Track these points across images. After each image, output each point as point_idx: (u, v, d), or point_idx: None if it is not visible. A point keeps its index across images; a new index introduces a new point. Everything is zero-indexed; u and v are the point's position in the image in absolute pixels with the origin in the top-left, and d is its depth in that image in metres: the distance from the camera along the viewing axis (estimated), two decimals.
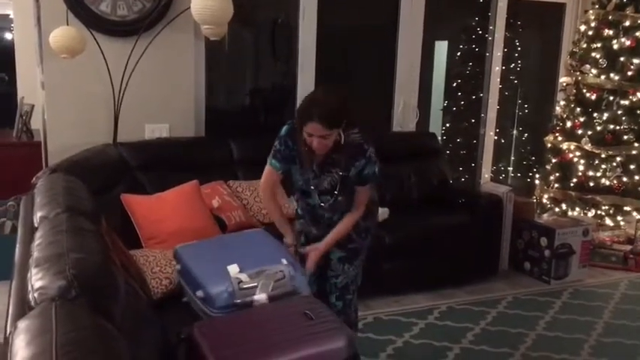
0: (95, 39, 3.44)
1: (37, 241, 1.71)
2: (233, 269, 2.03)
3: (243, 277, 2.01)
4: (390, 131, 4.88)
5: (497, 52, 5.20)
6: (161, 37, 3.62)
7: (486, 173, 5.49)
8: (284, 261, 2.09)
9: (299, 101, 4.33)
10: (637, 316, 3.67)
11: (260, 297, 1.98)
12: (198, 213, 3.16)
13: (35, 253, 1.60)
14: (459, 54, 5.55)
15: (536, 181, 5.13)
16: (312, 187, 2.50)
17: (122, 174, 3.34)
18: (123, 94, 3.54)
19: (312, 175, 2.48)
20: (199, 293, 2.03)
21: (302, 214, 2.69)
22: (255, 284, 2.02)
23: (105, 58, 3.45)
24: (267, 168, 2.54)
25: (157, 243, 2.93)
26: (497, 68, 5.23)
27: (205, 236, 2.81)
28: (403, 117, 4.89)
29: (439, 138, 5.47)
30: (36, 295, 1.36)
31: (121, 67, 3.50)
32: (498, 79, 5.28)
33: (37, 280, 1.42)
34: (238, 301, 2.01)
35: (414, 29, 4.76)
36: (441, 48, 5.83)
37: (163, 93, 3.80)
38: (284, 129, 2.48)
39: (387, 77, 4.87)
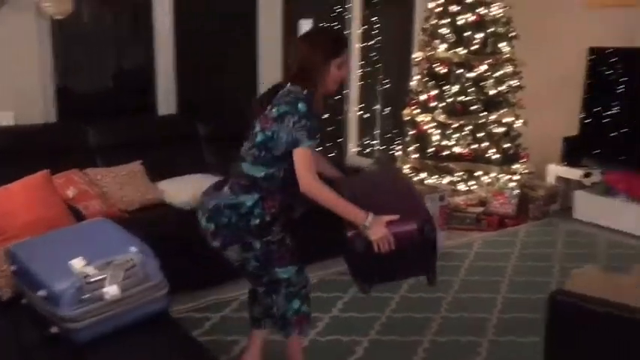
0: None
1: None
2: (78, 263, 1.94)
3: (90, 270, 1.93)
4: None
5: (356, 30, 5.36)
6: None
7: (353, 148, 5.68)
8: (133, 249, 2.03)
9: (159, 84, 4.28)
10: (489, 271, 4.00)
11: (110, 289, 1.92)
12: (50, 204, 2.96)
13: None
14: None
15: (398, 153, 5.39)
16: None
17: None
18: None
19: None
20: (42, 293, 1.93)
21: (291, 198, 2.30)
22: (104, 276, 1.95)
23: None
24: (307, 151, 2.09)
25: (5, 239, 2.71)
26: (357, 45, 5.39)
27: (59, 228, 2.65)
28: None
29: None
30: None
31: None
32: (358, 56, 5.45)
33: None
34: (87, 295, 1.93)
35: (273, 8, 4.76)
36: (306, 27, 5.89)
37: (5, 78, 3.52)
38: (303, 105, 2.11)
39: (251, 56, 4.85)
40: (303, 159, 2.10)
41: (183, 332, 2.29)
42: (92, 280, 1.93)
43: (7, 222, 2.82)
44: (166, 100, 4.35)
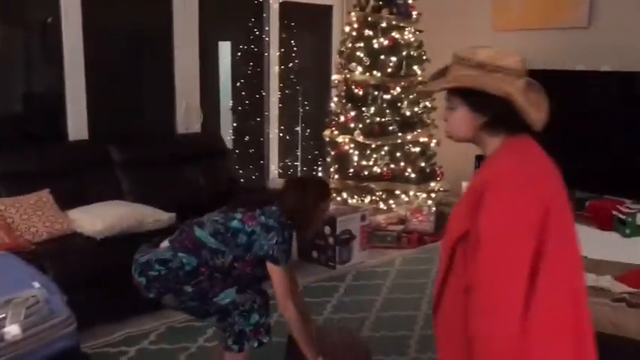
0: None
1: None
2: None
3: None
4: (175, 134, 4.79)
5: (275, 52, 5.39)
6: None
7: (274, 169, 5.66)
8: (36, 284, 1.92)
9: (70, 109, 4.10)
10: (409, 289, 4.06)
11: (11, 329, 1.80)
12: None
13: None
14: (239, 54, 5.64)
15: (320, 174, 5.43)
16: None
17: None
18: None
19: None
20: None
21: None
22: (4, 315, 1.83)
23: None
24: (285, 274, 2.39)
25: None
26: (275, 68, 5.42)
27: None
28: (187, 118, 4.83)
29: (229, 137, 5.52)
30: None
31: None
32: (277, 78, 5.47)
33: None
34: None
35: (189, 30, 4.71)
36: (225, 48, 5.88)
37: None
38: (288, 234, 2.42)
39: (167, 79, 4.76)
40: (282, 280, 2.38)
41: None
42: None
43: None
44: (77, 125, 4.18)
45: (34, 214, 3.37)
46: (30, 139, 4.20)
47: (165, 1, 4.61)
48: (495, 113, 1.46)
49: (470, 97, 1.48)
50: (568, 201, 1.49)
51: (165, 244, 2.46)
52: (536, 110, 1.45)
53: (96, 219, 3.42)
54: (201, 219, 2.50)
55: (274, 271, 2.38)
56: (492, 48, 1.52)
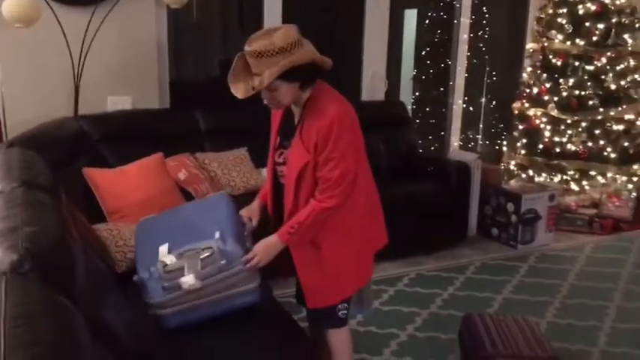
0: (51, 7, 3.30)
1: None
2: (163, 250, 1.93)
3: (170, 259, 1.90)
4: (359, 101, 4.86)
5: (465, 20, 5.18)
6: (120, 6, 3.50)
7: (455, 141, 5.51)
8: (217, 234, 1.93)
9: None
10: (602, 277, 3.75)
11: (188, 278, 1.87)
12: (163, 186, 3.10)
13: None
14: (427, 22, 5.52)
15: (504, 148, 5.17)
16: None
17: (83, 147, 3.25)
18: (83, 66, 3.43)
19: None
20: (135, 278, 1.93)
21: None
22: (183, 265, 1.89)
23: (62, 28, 3.33)
24: None
25: (120, 217, 2.88)
26: (464, 36, 5.21)
27: None
28: (372, 86, 4.86)
29: (409, 107, 5.47)
30: None
31: (79, 37, 3.38)
32: (466, 47, 5.27)
33: None
34: (166, 284, 1.90)
35: None
36: (411, 16, 5.80)
37: (125, 64, 3.70)
38: None
39: (356, 46, 4.82)
40: None
41: (287, 316, 2.29)
42: (170, 269, 1.90)
43: (122, 201, 2.98)
44: None
45: (234, 170, 3.64)
46: (228, 100, 4.51)
47: None
48: (306, 75, 1.90)
49: (287, 75, 1.83)
50: None
51: None
52: (321, 56, 1.92)
53: None
54: None
55: None
56: (279, 31, 1.84)
